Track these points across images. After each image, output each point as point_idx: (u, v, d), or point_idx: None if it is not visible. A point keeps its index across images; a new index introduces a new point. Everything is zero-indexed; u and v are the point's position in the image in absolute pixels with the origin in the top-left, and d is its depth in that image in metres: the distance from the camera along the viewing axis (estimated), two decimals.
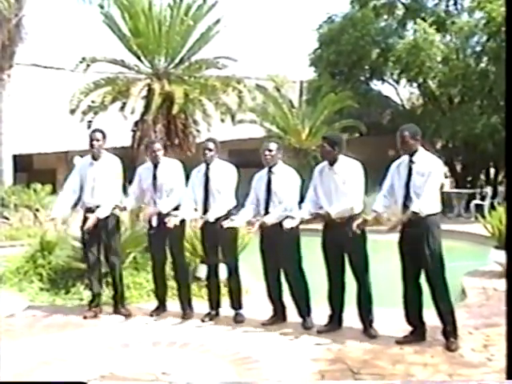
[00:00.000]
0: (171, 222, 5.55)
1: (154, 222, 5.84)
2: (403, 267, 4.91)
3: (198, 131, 13.78)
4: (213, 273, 5.83)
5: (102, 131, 6.05)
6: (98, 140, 5.96)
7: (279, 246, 5.30)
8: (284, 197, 5.33)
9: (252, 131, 17.10)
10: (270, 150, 5.37)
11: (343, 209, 5.01)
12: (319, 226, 5.56)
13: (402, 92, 20.90)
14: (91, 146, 5.97)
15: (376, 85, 20.50)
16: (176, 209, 5.81)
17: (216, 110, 13.80)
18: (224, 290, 6.12)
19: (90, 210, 5.89)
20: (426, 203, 4.65)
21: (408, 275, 4.89)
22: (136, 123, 13.46)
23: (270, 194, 5.36)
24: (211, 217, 5.48)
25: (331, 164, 5.12)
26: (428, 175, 4.71)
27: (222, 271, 5.94)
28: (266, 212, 5.35)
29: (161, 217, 5.74)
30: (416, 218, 4.65)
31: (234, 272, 5.80)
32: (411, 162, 4.81)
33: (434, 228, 4.71)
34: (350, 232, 4.93)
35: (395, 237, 5.09)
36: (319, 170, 5.24)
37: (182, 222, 5.82)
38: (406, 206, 4.76)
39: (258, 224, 5.19)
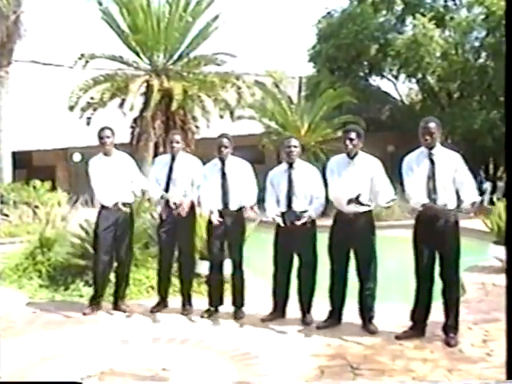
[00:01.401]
0: (184, 205, 5.61)
1: (164, 215, 5.83)
2: (419, 262, 4.84)
3: (196, 127, 14.04)
4: (217, 269, 5.78)
5: (110, 128, 6.06)
6: (108, 137, 5.97)
7: (298, 241, 5.27)
8: (312, 191, 5.31)
9: (251, 127, 16.94)
10: (296, 147, 5.39)
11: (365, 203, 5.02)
12: (323, 222, 5.63)
13: (401, 88, 21.13)
14: (103, 143, 5.99)
15: (375, 80, 20.53)
16: (193, 205, 5.86)
17: (215, 107, 13.98)
18: (225, 287, 6.09)
19: (115, 205, 5.90)
20: (469, 195, 4.71)
21: (423, 270, 4.83)
22: (135, 120, 13.64)
23: (292, 189, 5.31)
24: (232, 207, 5.51)
25: (351, 157, 5.08)
26: (456, 169, 4.74)
27: (227, 267, 5.90)
28: (289, 208, 5.30)
29: (171, 210, 5.74)
30: (444, 211, 4.64)
31: (238, 268, 5.76)
32: (431, 154, 4.77)
33: (458, 221, 4.74)
34: (361, 227, 4.93)
35: (396, 232, 4.97)
36: (337, 162, 5.20)
37: (193, 216, 5.85)
38: (431, 200, 4.73)
39: (306, 219, 5.15)
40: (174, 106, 12.68)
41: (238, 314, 5.82)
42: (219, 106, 13.84)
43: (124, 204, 5.92)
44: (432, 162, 4.76)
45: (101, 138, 5.96)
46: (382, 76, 19.78)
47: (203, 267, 6.42)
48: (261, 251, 6.35)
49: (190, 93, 13.42)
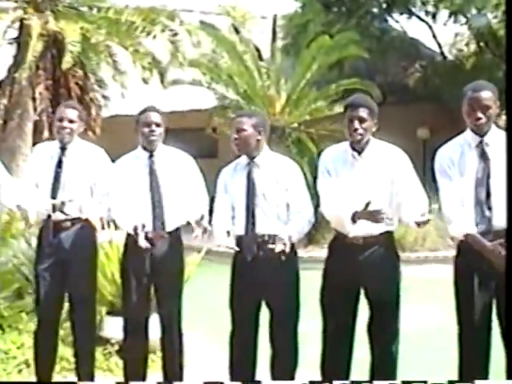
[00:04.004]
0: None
1: (47, 242, 4.87)
2: (466, 319, 4.16)
3: (104, 98, 11.77)
4: (137, 330, 4.85)
5: None
6: None
7: (268, 283, 4.43)
8: (290, 201, 4.53)
9: (195, 99, 14.80)
10: (244, 130, 4.48)
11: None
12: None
13: (442, 33, 17.43)
14: None
15: (398, 21, 17.13)
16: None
17: (135, 64, 11.37)
18: (153, 357, 5.42)
19: None
20: None
21: (474, 334, 4.14)
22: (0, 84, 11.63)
23: (255, 198, 4.50)
24: (168, 227, 4.74)
25: (359, 149, 4.27)
26: None
27: (154, 327, 4.95)
28: (251, 229, 4.49)
29: (59, 233, 4.91)
30: (497, 232, 3.99)
31: (173, 328, 4.85)
32: (483, 144, 4.03)
33: None
34: (376, 260, 4.28)
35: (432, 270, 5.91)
36: (335, 157, 4.43)
37: (94, 242, 5.09)
38: (483, 221, 4.11)
39: (289, 245, 4.23)
40: (67, 61, 10.38)
41: None
42: (142, 62, 11.20)
43: None
44: (484, 156, 4.00)
45: None
46: (411, 13, 16.44)
47: (114, 328, 5.58)
48: (213, 299, 5.75)
49: (92, 40, 10.96)
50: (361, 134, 4.21)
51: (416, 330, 5.80)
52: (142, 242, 4.57)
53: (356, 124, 4.20)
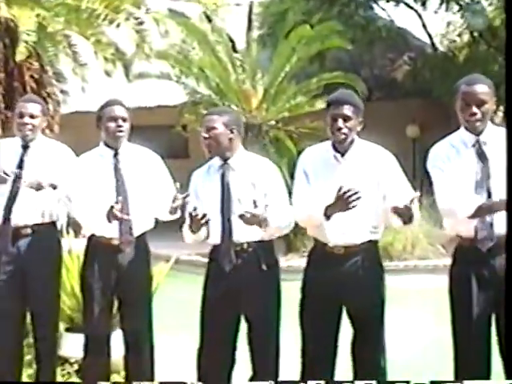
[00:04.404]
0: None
1: (4, 251, 4.73)
2: (461, 334, 4.09)
3: (63, 92, 10.93)
4: (99, 348, 4.76)
5: None
6: None
7: (247, 295, 4.34)
8: (268, 205, 4.41)
9: (163, 94, 14.41)
10: (214, 128, 4.37)
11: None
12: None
13: (433, 22, 16.86)
14: None
15: (384, 9, 16.49)
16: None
17: (96, 55, 10.56)
18: (117, 378, 5.35)
19: None
20: None
21: (477, 327, 4.03)
22: None
23: (229, 204, 4.38)
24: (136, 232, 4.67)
25: (342, 150, 4.16)
26: None
27: (117, 344, 4.87)
28: (229, 232, 4.33)
29: (18, 241, 4.78)
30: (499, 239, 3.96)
31: (141, 345, 4.72)
32: (480, 143, 3.92)
33: None
34: (359, 271, 4.14)
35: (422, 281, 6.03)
36: (315, 159, 4.31)
37: (57, 251, 4.98)
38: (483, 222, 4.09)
39: (264, 225, 4.16)
40: (21, 52, 9.63)
41: None
42: (104, 53, 10.45)
43: None
44: (483, 157, 3.92)
45: None
46: (398, 0, 15.90)
47: (73, 345, 5.49)
48: (183, 312, 6.17)
49: (49, 29, 10.12)
50: (345, 134, 4.07)
51: (405, 346, 5.79)
52: (118, 214, 4.37)
53: (340, 123, 4.05)
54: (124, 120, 4.68)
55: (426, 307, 7.43)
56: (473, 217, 3.86)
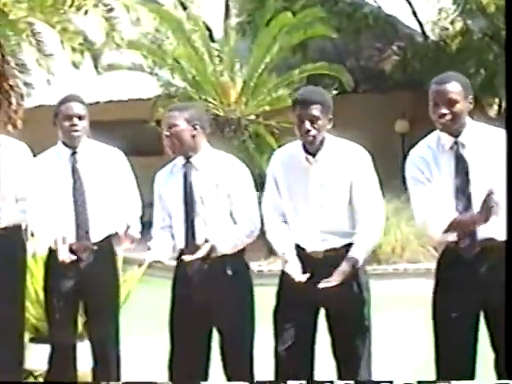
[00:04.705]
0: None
1: None
2: (446, 340, 4.03)
3: (27, 85, 11.11)
4: (64, 359, 4.73)
5: None
6: None
7: (216, 303, 4.25)
8: (234, 207, 4.35)
9: (135, 86, 14.08)
10: (176, 125, 4.32)
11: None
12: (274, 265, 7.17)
13: (423, 8, 16.74)
14: None
15: None
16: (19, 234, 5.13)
17: (63, 45, 10.65)
18: None
19: None
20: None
21: (463, 329, 3.96)
22: None
23: (193, 204, 4.33)
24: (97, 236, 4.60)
25: (313, 153, 4.14)
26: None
27: (84, 356, 4.82)
28: (192, 235, 4.28)
29: None
30: (489, 245, 3.85)
31: (109, 357, 4.71)
32: (459, 145, 3.87)
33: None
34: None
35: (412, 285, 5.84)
36: (285, 160, 4.30)
37: (21, 256, 4.98)
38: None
39: (206, 249, 4.08)
40: None
41: None
42: (71, 43, 10.44)
43: None
44: (461, 160, 3.87)
45: None
46: None
47: (38, 357, 5.27)
48: (156, 319, 5.39)
49: (11, 16, 10.09)
50: (313, 136, 4.05)
51: (394, 354, 5.84)
52: (64, 255, 4.39)
53: (307, 125, 4.02)
54: (80, 118, 4.55)
55: (416, 314, 7.23)
56: (446, 232, 3.77)
